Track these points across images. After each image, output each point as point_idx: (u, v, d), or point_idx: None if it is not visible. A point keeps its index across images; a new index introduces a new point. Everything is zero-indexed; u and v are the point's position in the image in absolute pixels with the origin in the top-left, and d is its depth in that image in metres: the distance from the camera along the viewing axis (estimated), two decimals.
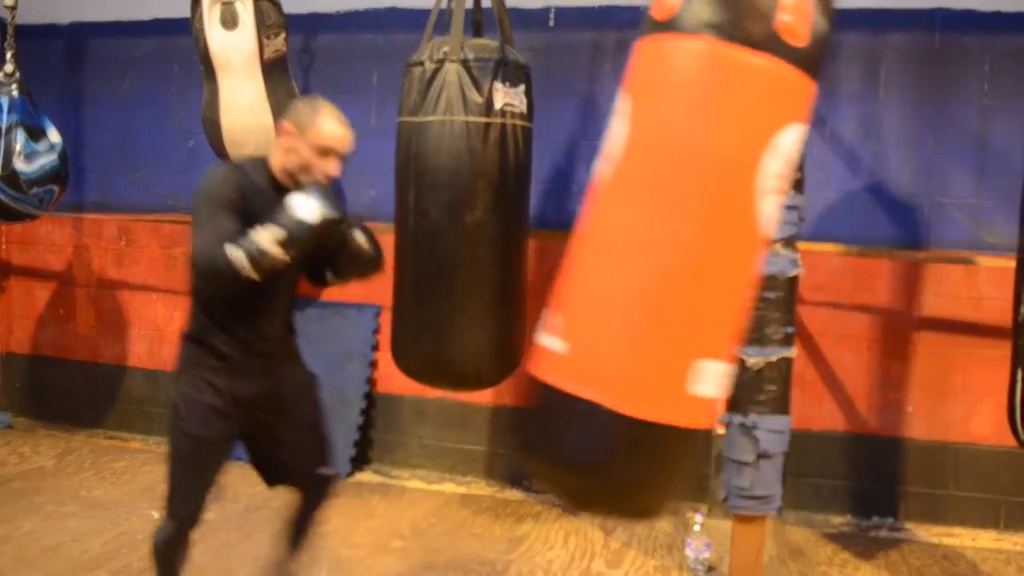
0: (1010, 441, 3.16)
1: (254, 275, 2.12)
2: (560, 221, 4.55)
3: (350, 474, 4.62)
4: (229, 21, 4.06)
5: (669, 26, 1.93)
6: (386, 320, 4.11)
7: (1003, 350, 3.20)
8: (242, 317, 2.35)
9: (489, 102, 3.30)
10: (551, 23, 4.56)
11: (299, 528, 2.68)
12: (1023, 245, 2.99)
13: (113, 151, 5.30)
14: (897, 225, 4.20)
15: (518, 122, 3.40)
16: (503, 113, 3.33)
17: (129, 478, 4.47)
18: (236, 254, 2.11)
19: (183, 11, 4.18)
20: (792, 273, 3.03)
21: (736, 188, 1.94)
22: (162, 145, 5.18)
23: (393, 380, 4.16)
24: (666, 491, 2.10)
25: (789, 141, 1.99)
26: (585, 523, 4.10)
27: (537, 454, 2.08)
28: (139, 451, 5.01)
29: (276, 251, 2.12)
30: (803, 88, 1.98)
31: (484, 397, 4.48)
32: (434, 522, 4.06)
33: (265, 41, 4.12)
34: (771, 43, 1.88)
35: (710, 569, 3.56)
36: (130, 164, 5.26)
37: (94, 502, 4.05)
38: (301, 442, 2.56)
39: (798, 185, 3.00)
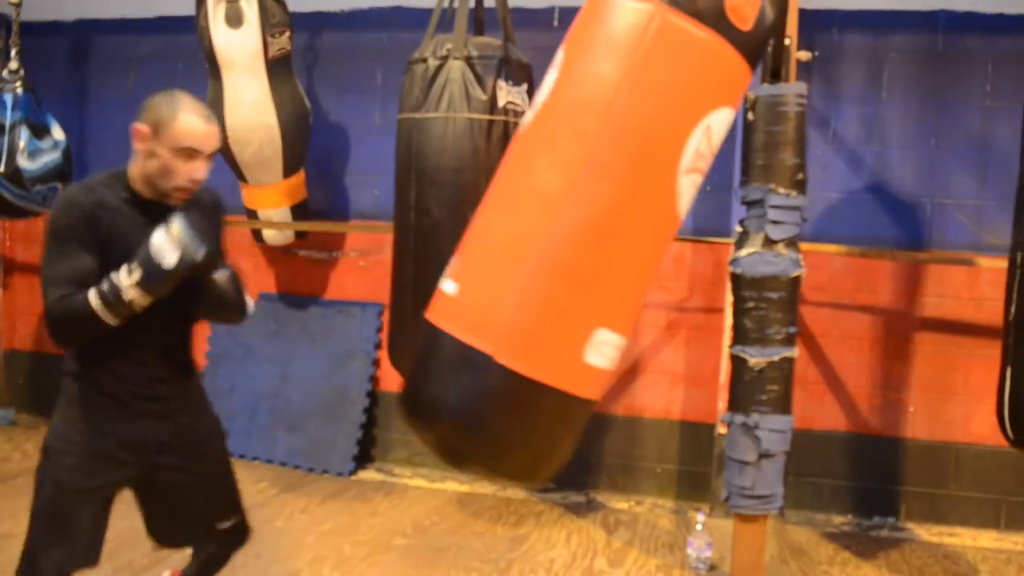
0: None
1: (111, 320, 1.88)
2: None
3: (352, 472, 4.63)
4: (234, 19, 4.07)
5: None
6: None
7: None
8: (124, 353, 2.05)
9: (492, 100, 3.29)
10: (555, 23, 4.56)
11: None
12: (1016, 245, 2.99)
13: (117, 149, 5.14)
14: (899, 226, 4.21)
15: (520, 121, 3.39)
16: (506, 111, 3.33)
17: None
18: (91, 298, 1.87)
19: (188, 9, 4.18)
20: (794, 273, 3.04)
21: (659, 158, 1.91)
22: None
23: (396, 378, 4.14)
24: (545, 457, 2.00)
25: (718, 123, 1.97)
26: (587, 522, 4.11)
27: (417, 402, 1.98)
28: None
29: (134, 295, 1.87)
30: (741, 73, 1.98)
31: None
32: (436, 520, 4.07)
33: (269, 39, 4.13)
34: (718, 21, 1.88)
35: (712, 568, 3.57)
36: None
37: None
38: (203, 494, 2.26)
39: (800, 185, 3.01)
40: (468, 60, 3.30)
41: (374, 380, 4.80)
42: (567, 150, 1.89)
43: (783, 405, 3.06)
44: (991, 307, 4.05)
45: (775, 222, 3.00)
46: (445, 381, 1.91)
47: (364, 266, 4.88)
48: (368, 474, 4.69)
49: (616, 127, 1.87)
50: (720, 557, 3.58)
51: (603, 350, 1.93)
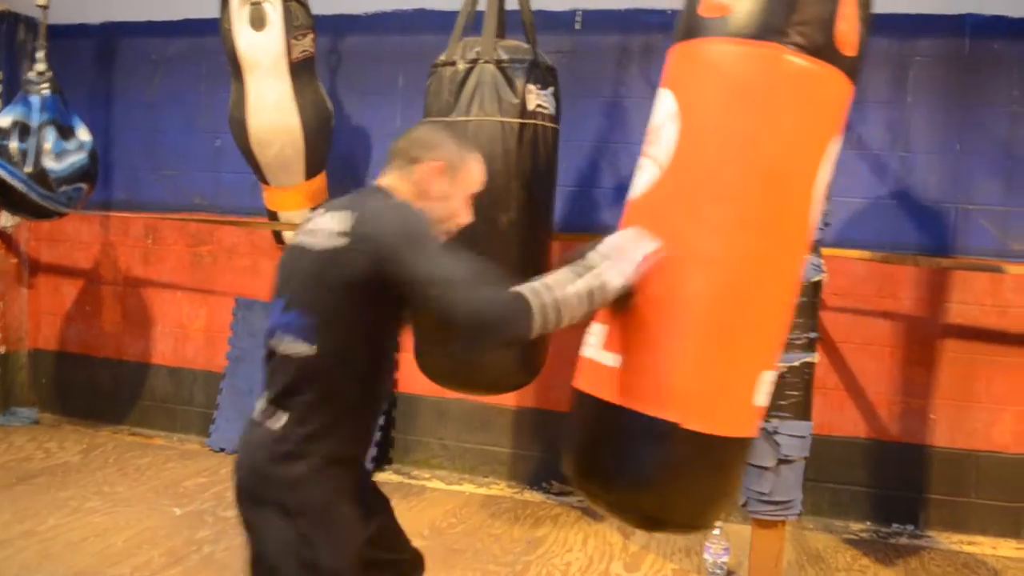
0: None
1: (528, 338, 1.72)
2: (582, 224, 4.57)
3: (371, 473, 4.62)
4: (257, 21, 4.10)
5: (722, 27, 1.92)
6: None
7: None
8: (378, 394, 1.86)
9: (523, 103, 3.29)
10: (577, 26, 4.57)
11: None
12: None
13: (141, 150, 5.37)
14: (923, 232, 4.17)
15: (548, 124, 3.40)
16: (535, 115, 3.32)
17: (152, 475, 4.52)
18: (577, 287, 1.73)
19: (212, 11, 4.23)
20: (816, 278, 3.03)
21: (796, 197, 1.95)
22: (189, 144, 5.25)
23: (415, 380, 4.17)
24: (733, 498, 2.09)
25: (836, 149, 2.02)
26: (604, 526, 4.11)
27: (598, 473, 2.01)
28: (162, 448, 5.06)
29: (613, 298, 1.79)
30: (849, 97, 2.01)
31: (506, 399, 4.49)
32: (453, 522, 4.08)
33: (293, 42, 4.15)
34: (831, 53, 1.91)
35: (729, 573, 3.55)
36: (158, 163, 5.33)
37: (117, 498, 4.10)
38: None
39: None
40: (499, 63, 3.29)
41: (394, 382, 4.80)
42: (717, 212, 1.89)
43: (803, 411, 3.04)
44: (1015, 314, 4.06)
45: None
46: (629, 453, 1.92)
47: None
48: (386, 475, 4.71)
49: (760, 180, 1.89)
50: (737, 562, 3.57)
51: (766, 388, 2.00)
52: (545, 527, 4.06)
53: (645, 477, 1.91)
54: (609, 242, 1.84)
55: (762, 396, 1.99)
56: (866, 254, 4.05)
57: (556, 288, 1.72)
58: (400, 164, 1.93)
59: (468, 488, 4.60)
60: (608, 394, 1.95)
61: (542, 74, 3.39)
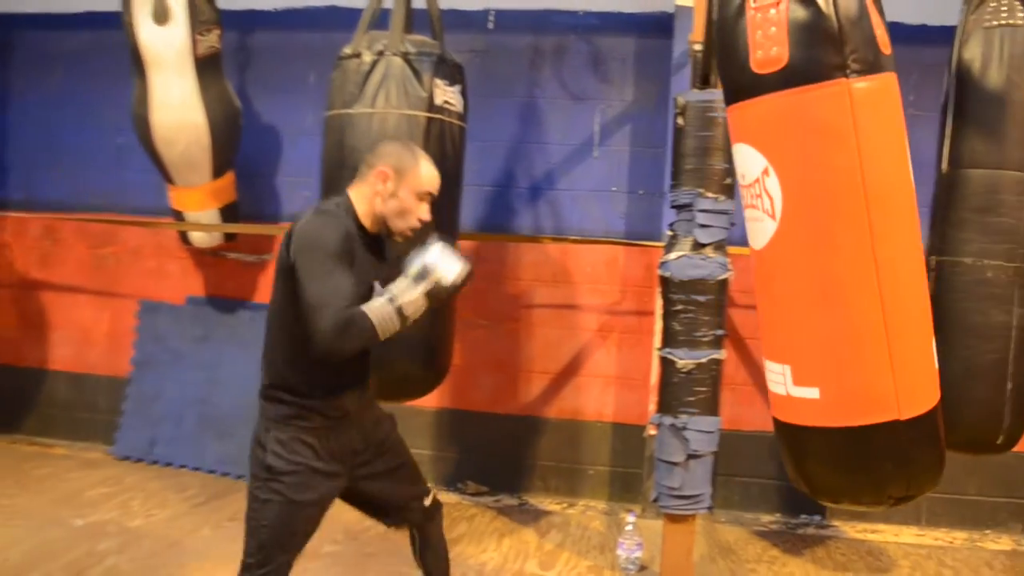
0: None
1: (384, 334, 2.06)
2: (496, 224, 4.58)
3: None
4: (161, 15, 4.01)
5: (783, 79, 2.06)
6: None
7: None
8: (334, 371, 2.19)
9: (431, 97, 3.25)
10: (490, 26, 4.58)
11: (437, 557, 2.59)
12: (931, 249, 2.98)
13: (39, 148, 5.18)
14: None
15: (455, 121, 3.37)
16: (442, 110, 3.29)
17: (52, 485, 4.36)
18: (370, 313, 2.04)
19: (114, 4, 4.13)
20: (722, 276, 3.09)
21: (910, 206, 2.17)
22: (90, 142, 5.09)
23: None
24: (942, 461, 2.35)
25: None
26: (519, 526, 4.12)
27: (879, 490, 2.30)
28: (63, 457, 4.89)
29: (413, 311, 2.09)
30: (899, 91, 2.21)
31: (420, 399, 4.46)
32: (368, 526, 3.97)
33: (198, 37, 4.09)
34: (880, 61, 2.08)
35: (642, 568, 3.61)
36: (57, 161, 5.15)
37: (14, 510, 3.95)
38: (398, 480, 2.44)
39: (729, 190, 3.06)
40: (406, 56, 3.25)
41: None
42: (839, 237, 2.10)
43: (711, 406, 3.11)
44: None
45: (704, 226, 3.06)
46: (888, 462, 2.22)
47: None
48: None
49: (871, 202, 2.06)
50: (650, 557, 3.62)
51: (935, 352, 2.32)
52: (460, 528, 4.06)
53: (921, 469, 2.26)
54: (423, 256, 2.14)
55: (935, 358, 2.29)
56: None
57: (398, 296, 2.08)
58: (362, 171, 2.28)
59: None
60: (829, 421, 2.20)
61: (449, 70, 3.37)
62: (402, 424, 2.51)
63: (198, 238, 4.65)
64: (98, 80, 5.04)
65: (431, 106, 3.26)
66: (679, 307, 3.09)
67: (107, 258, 5.12)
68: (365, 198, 2.24)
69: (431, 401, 4.55)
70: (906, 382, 2.16)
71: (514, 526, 4.12)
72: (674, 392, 3.10)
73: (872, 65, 2.06)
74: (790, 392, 2.26)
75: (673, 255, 3.10)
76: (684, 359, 3.07)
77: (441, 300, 2.16)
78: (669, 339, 3.13)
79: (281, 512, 2.19)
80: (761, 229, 2.22)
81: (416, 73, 3.25)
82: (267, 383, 2.25)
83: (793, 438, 2.36)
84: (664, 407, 3.14)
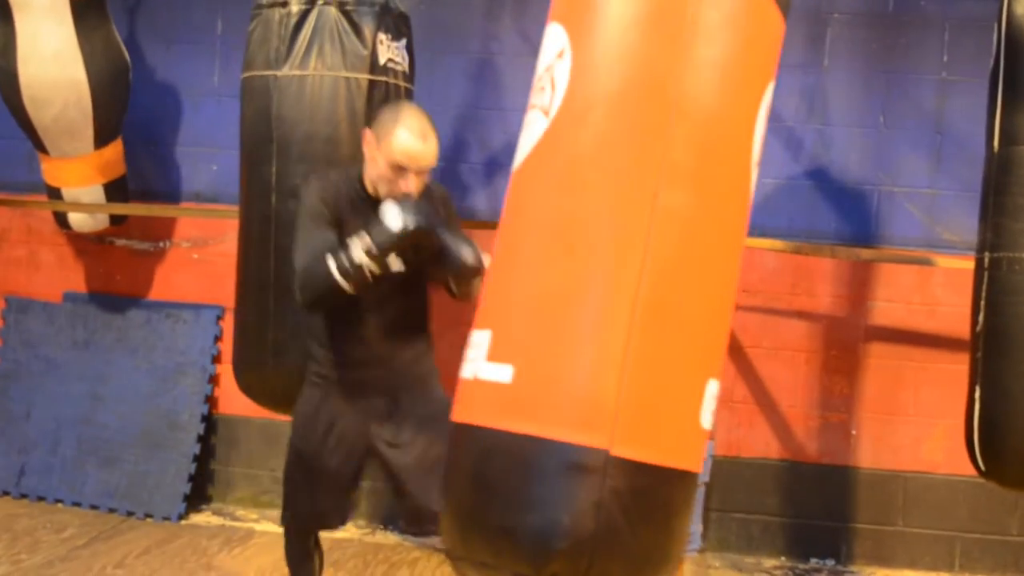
0: (967, 470, 3.11)
1: (347, 286, 2.34)
2: None
3: (183, 515, 4.39)
4: None
5: None
6: (230, 324, 3.92)
7: (960, 364, 3.14)
8: (351, 332, 2.61)
9: (373, 55, 3.12)
10: None
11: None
12: (984, 244, 2.95)
13: None
14: (842, 218, 4.21)
15: (401, 83, 3.23)
16: (387, 71, 3.16)
17: None
18: (329, 264, 2.33)
19: None
20: None
21: (736, 153, 1.78)
22: None
23: (239, 399, 3.93)
24: (681, 548, 1.81)
25: (768, 101, 1.85)
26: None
27: (469, 531, 1.73)
28: None
29: (364, 260, 2.31)
30: (781, 34, 1.88)
31: None
32: (287, 573, 3.89)
33: None
34: None
35: None
36: None
37: None
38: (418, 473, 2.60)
39: None
40: (342, 6, 3.11)
41: (211, 401, 4.59)
42: (611, 162, 1.69)
43: None
44: (946, 314, 4.07)
45: None
46: (535, 498, 1.63)
47: (199, 259, 4.67)
48: (203, 517, 4.50)
49: (682, 122, 1.69)
50: None
51: (711, 406, 1.75)
52: (401, 572, 3.95)
53: (559, 530, 1.60)
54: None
55: (708, 416, 1.73)
56: (777, 244, 4.00)
57: (352, 245, 2.36)
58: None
59: None
60: (500, 420, 1.65)
61: (394, 22, 3.21)
62: None
63: (79, 221, 4.48)
64: None
65: (374, 66, 3.13)
66: None
67: None
68: (365, 164, 2.52)
69: None
70: (643, 402, 1.65)
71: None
72: None
73: None
74: (478, 374, 1.73)
75: None
76: None
77: (393, 247, 2.34)
78: None
79: (289, 460, 2.68)
80: (528, 137, 1.83)
81: (355, 26, 3.13)
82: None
83: (456, 446, 1.82)
84: None
